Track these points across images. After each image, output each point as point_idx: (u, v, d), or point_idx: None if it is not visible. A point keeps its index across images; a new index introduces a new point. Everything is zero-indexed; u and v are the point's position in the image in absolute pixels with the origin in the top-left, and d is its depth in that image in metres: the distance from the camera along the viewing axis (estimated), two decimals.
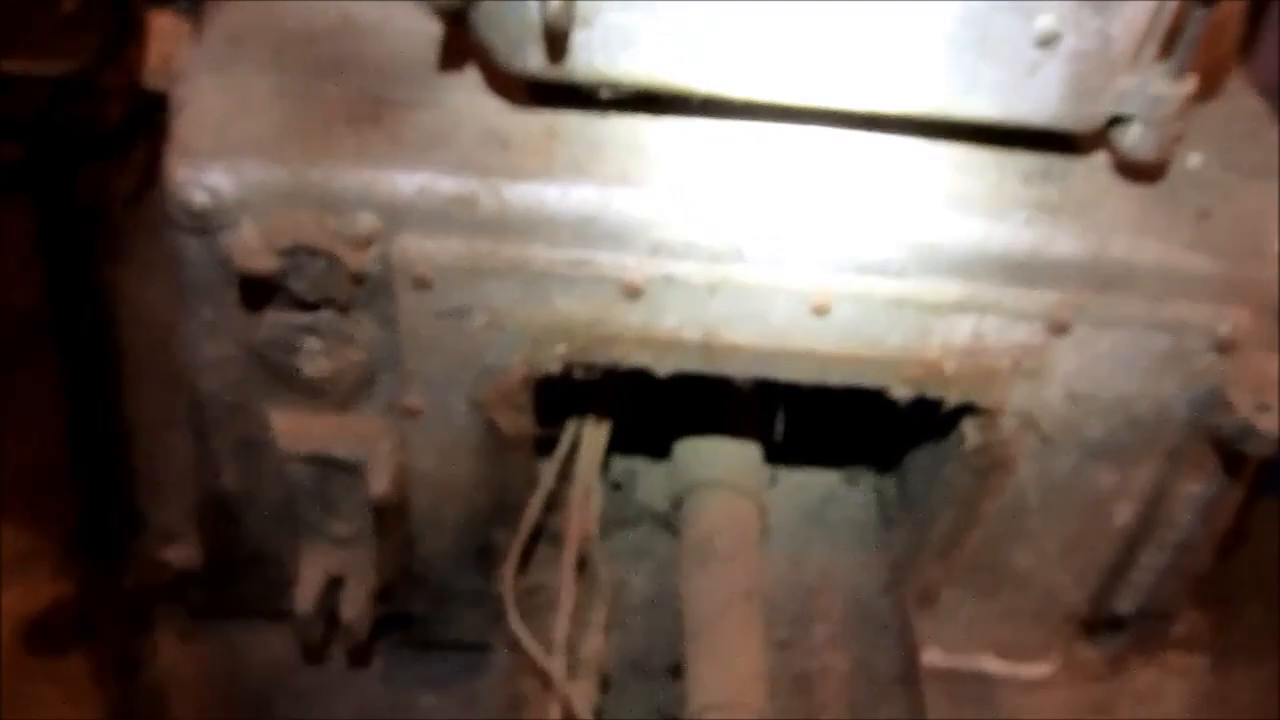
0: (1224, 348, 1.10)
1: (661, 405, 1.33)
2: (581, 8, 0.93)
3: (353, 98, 1.06)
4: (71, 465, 1.66)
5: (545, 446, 1.34)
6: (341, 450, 1.17)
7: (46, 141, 1.81)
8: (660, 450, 1.49)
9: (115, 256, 1.84)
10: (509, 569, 1.22)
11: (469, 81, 1.08)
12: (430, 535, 1.27)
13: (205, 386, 1.15)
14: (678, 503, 1.39)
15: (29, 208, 1.82)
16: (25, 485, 1.68)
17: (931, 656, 1.40)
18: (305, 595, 1.25)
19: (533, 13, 0.93)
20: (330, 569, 1.27)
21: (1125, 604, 1.35)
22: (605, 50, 0.96)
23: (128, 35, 1.73)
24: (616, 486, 1.52)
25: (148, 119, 1.74)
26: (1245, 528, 1.44)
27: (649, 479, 1.53)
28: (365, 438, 1.17)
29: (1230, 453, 1.16)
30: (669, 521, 1.44)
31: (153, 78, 1.79)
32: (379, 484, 1.15)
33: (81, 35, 1.69)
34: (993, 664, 1.42)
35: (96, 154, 1.84)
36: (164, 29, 1.80)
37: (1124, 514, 1.25)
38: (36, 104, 1.77)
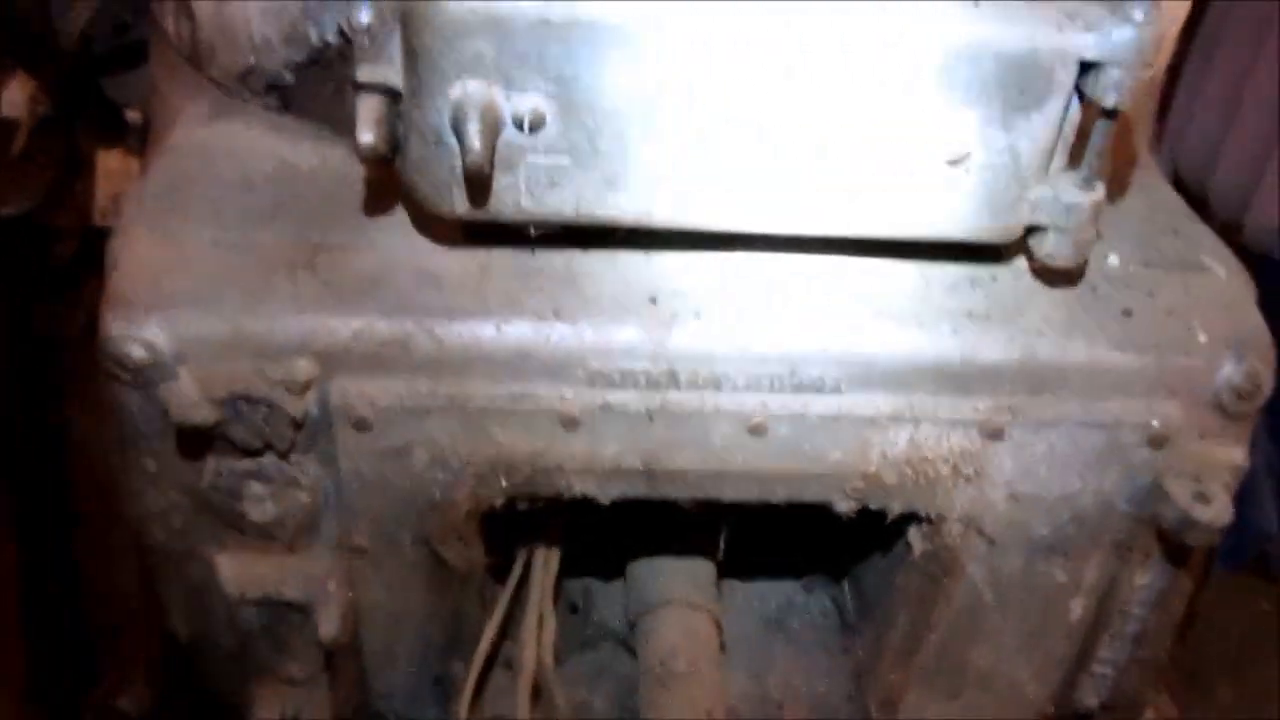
0: (1157, 442, 1.12)
1: (613, 525, 1.33)
2: (502, 152, 0.95)
3: (288, 244, 1.08)
4: (24, 614, 1.64)
5: (499, 572, 1.33)
6: (290, 592, 1.16)
7: None
8: (618, 568, 1.48)
9: (67, 394, 1.84)
10: (464, 701, 1.20)
11: (402, 223, 1.10)
12: (385, 670, 1.25)
13: (151, 535, 1.15)
14: (634, 623, 1.38)
15: None
16: None
17: None
18: None
19: (456, 159, 0.95)
20: (285, 710, 1.25)
21: (1090, 697, 1.35)
22: (530, 191, 0.98)
23: (77, 175, 1.76)
24: (574, 609, 1.51)
25: (98, 257, 1.76)
26: (1198, 608, 1.45)
27: (606, 598, 1.52)
28: (313, 578, 1.16)
29: (1175, 543, 1.17)
30: (628, 641, 1.43)
31: (103, 216, 1.82)
32: (328, 625, 1.14)
33: (32, 175, 1.71)
34: None
35: (47, 293, 1.85)
36: (113, 168, 1.83)
37: (1078, 609, 1.25)
38: None
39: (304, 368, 1.03)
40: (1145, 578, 1.23)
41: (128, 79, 1.70)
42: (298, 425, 1.05)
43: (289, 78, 1.17)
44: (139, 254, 1.06)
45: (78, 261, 1.85)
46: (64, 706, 1.55)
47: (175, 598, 1.20)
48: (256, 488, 1.10)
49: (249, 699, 1.26)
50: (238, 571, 1.16)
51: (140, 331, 1.01)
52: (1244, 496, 1.17)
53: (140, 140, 1.73)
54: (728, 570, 1.46)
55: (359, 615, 1.19)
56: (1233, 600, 1.86)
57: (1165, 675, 1.45)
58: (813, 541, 1.51)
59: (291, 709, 1.26)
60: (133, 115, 1.73)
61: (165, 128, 1.26)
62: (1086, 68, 0.97)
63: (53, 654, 1.59)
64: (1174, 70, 1.51)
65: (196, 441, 1.07)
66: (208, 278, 1.04)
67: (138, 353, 1.01)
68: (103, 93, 1.69)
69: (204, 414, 1.01)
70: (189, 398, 1.01)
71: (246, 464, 1.09)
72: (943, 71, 0.95)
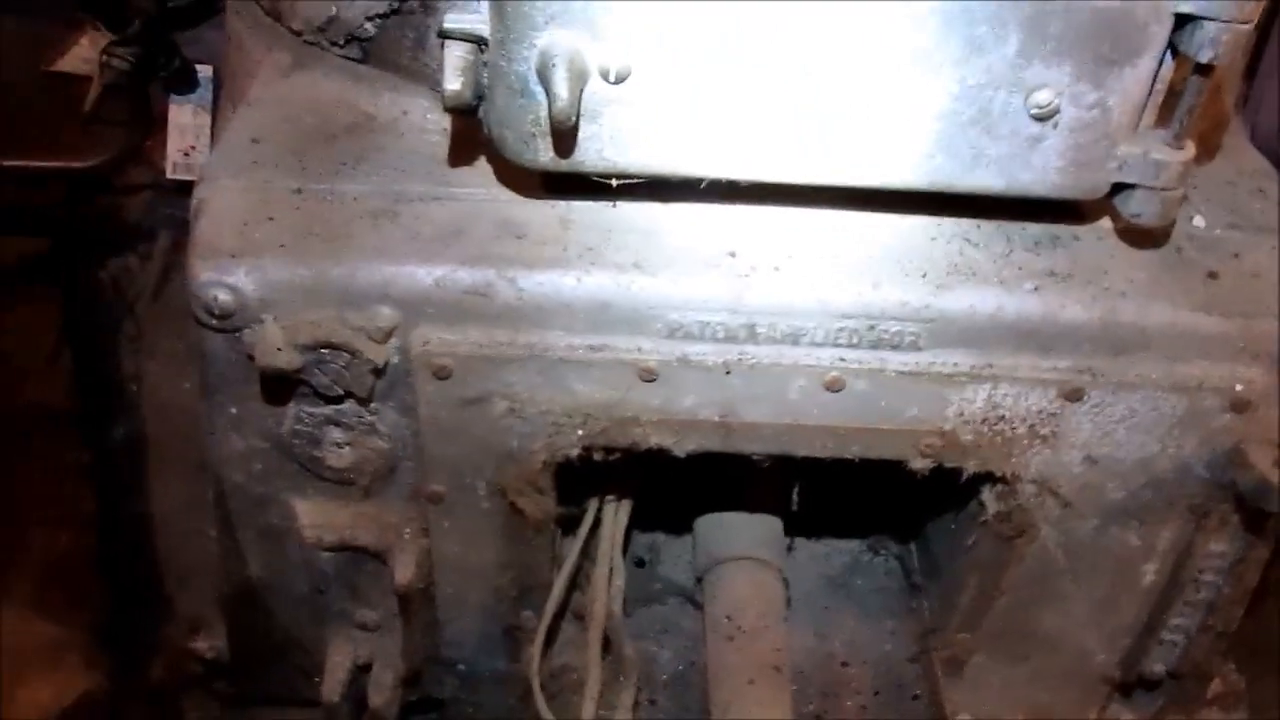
0: (1240, 406, 1.10)
1: (683, 480, 1.34)
2: (588, 103, 0.95)
3: (371, 194, 1.09)
4: (100, 557, 1.68)
5: (569, 525, 1.34)
6: (366, 539, 1.18)
7: (70, 236, 1.86)
8: (684, 525, 1.49)
9: (139, 347, 1.87)
10: (535, 651, 1.22)
11: (483, 173, 1.11)
12: (456, 619, 1.27)
13: (231, 479, 1.17)
14: (701, 577, 1.39)
15: (56, 302, 1.87)
16: (55, 578, 1.69)
17: None
18: (332, 683, 1.25)
19: (541, 109, 0.95)
20: (357, 656, 1.28)
21: (1158, 664, 1.34)
22: (613, 142, 0.98)
23: (148, 130, 1.78)
24: (641, 563, 1.52)
25: (169, 211, 1.79)
26: (1272, 582, 1.43)
27: (673, 554, 1.53)
28: (389, 526, 1.18)
29: (1252, 510, 1.16)
30: (694, 597, 1.44)
31: (174, 170, 1.84)
32: (404, 572, 1.16)
33: (103, 131, 1.74)
34: None
35: (119, 247, 1.89)
36: (183, 122, 1.85)
37: (1150, 574, 1.24)
38: (60, 199, 1.82)
39: (386, 315, 1.04)
40: (1220, 545, 1.22)
41: (198, 34, 1.72)
42: (378, 373, 1.06)
43: (370, 29, 1.17)
44: (224, 202, 1.08)
45: (149, 216, 1.88)
46: (139, 649, 1.59)
47: (252, 543, 1.22)
48: (336, 434, 1.12)
49: (322, 644, 1.28)
50: (315, 517, 1.18)
51: (227, 277, 1.03)
52: None
53: (213, 95, 1.75)
54: (793, 529, 1.46)
55: (433, 564, 1.21)
56: None
57: (1235, 646, 1.43)
58: (878, 502, 1.51)
59: (364, 655, 1.28)
60: (203, 70, 1.75)
61: (245, 80, 1.27)
62: (1182, 21, 0.94)
63: (129, 598, 1.63)
64: (1263, 31, 1.47)
65: (279, 387, 1.09)
66: (292, 226, 1.05)
67: (224, 298, 1.03)
68: (177, 48, 1.71)
69: (287, 359, 1.03)
70: (273, 343, 1.02)
71: (327, 410, 1.10)
72: (1033, 22, 0.93)
